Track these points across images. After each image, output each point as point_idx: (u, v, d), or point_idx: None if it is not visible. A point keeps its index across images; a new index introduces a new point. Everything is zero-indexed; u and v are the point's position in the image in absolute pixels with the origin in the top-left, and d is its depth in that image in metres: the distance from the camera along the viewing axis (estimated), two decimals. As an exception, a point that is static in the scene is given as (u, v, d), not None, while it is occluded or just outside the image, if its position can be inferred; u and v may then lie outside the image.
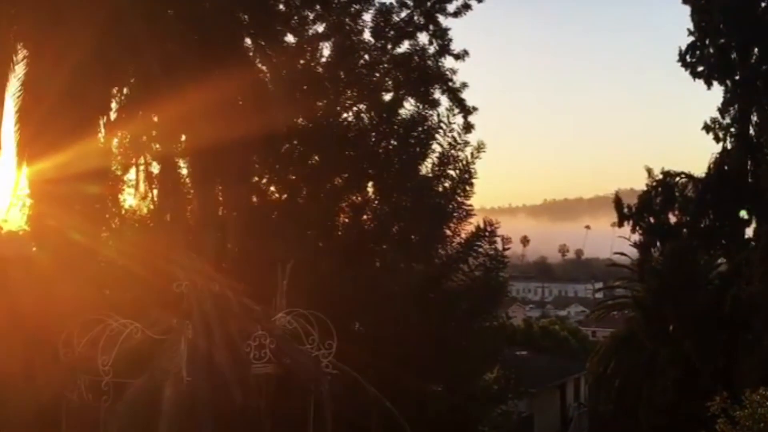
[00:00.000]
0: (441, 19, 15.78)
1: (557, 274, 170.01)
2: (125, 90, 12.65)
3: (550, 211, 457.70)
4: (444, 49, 15.75)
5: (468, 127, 14.65)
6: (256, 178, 14.15)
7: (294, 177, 14.07)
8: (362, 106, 14.56)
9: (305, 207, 13.69)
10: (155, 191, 13.37)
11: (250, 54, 13.43)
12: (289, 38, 14.06)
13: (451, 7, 15.87)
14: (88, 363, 7.53)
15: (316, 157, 14.08)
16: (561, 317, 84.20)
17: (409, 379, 11.97)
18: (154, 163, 13.56)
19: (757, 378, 21.49)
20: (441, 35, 15.72)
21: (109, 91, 12.32)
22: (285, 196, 14.13)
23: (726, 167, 28.79)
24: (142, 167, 13.40)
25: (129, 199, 13.65)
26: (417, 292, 12.87)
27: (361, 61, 14.82)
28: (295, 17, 14.31)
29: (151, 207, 13.44)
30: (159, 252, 10.65)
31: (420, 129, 13.73)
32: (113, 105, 12.53)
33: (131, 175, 13.62)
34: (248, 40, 13.39)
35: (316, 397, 8.24)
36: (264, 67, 13.72)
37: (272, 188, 14.35)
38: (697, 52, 29.58)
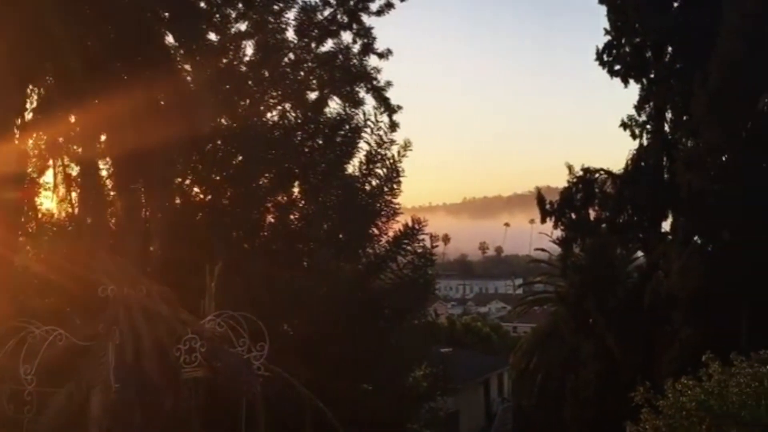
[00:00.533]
0: (364, 17, 15.78)
1: (478, 271, 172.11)
2: (42, 90, 12.23)
3: (469, 209, 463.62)
4: (368, 48, 15.75)
5: (393, 126, 14.65)
6: (179, 179, 13.83)
7: (218, 178, 13.80)
8: (287, 105, 14.39)
9: (230, 208, 13.45)
10: (74, 194, 12.94)
11: (172, 52, 13.12)
12: (212, 36, 13.78)
13: (374, 6, 15.89)
14: (9, 372, 7.22)
15: (240, 157, 13.84)
16: (482, 314, 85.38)
17: (340, 379, 11.90)
18: (73, 165, 13.12)
19: (676, 368, 22.10)
20: (365, 34, 15.71)
21: (24, 91, 11.89)
22: (209, 197, 13.85)
23: (643, 163, 29.59)
24: (60, 169, 12.95)
25: (46, 202, 13.19)
26: (346, 292, 12.79)
27: (285, 60, 14.65)
28: (217, 15, 14.05)
29: (70, 210, 13.01)
30: (80, 256, 10.32)
31: (346, 128, 13.64)
32: (29, 105, 12.10)
33: (48, 177, 13.15)
34: (171, 39, 13.08)
35: (248, 399, 8.09)
36: (187, 66, 13.44)
37: (196, 189, 14.05)
38: (614, 51, 30.32)
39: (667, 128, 30.20)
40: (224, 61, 13.85)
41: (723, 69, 25.69)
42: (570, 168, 30.57)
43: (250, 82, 14.02)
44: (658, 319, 27.67)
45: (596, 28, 31.74)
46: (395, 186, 13.33)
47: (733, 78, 25.49)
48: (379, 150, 13.44)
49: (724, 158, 27.39)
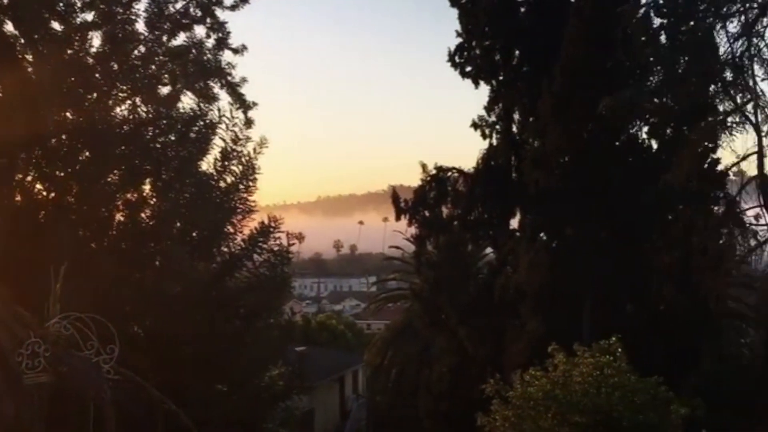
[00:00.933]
0: (219, 12, 15.44)
1: (332, 269, 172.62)
2: None
3: (324, 208, 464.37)
4: (222, 43, 15.41)
5: (249, 123, 14.43)
6: (20, 176, 13.11)
7: (63, 174, 13.17)
8: (137, 100, 13.89)
9: (76, 206, 12.87)
10: None
11: (12, 41, 12.42)
12: (56, 26, 13.12)
13: (228, 1, 15.58)
14: None
15: (87, 153, 13.26)
16: (337, 312, 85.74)
17: (195, 380, 11.64)
18: None
19: (524, 360, 22.98)
20: (219, 28, 15.38)
21: None
22: (53, 194, 13.20)
23: (492, 162, 30.45)
24: None
25: None
26: (200, 291, 12.51)
27: (135, 53, 14.14)
28: (61, 3, 13.38)
29: None
30: None
31: (200, 124, 13.32)
32: None
33: None
34: (10, 27, 12.37)
35: (97, 403, 7.78)
36: (29, 57, 12.75)
37: (39, 186, 13.36)
38: (465, 53, 31.04)
39: (515, 129, 31.23)
40: (69, 52, 13.21)
41: (566, 73, 26.85)
42: (423, 167, 31.13)
43: (97, 75, 13.42)
44: (508, 313, 28.60)
45: (450, 29, 32.49)
46: (251, 183, 13.14)
47: (576, 82, 26.68)
48: (234, 147, 13.20)
49: (567, 158, 28.62)
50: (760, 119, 23.38)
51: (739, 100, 23.93)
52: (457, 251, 30.72)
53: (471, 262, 33.06)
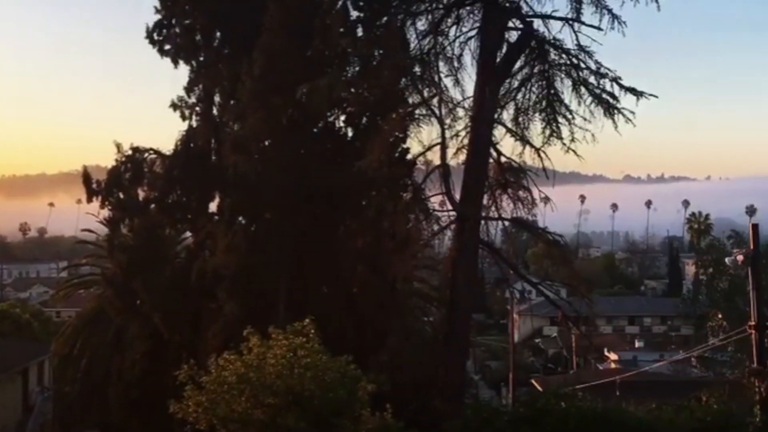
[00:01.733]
0: None
1: (18, 254, 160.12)
2: None
3: (8, 188, 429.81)
4: None
5: None
6: None
7: None
8: None
9: None
10: None
11: None
12: None
13: None
14: None
15: None
16: (23, 300, 79.93)
17: None
18: None
19: (220, 343, 22.91)
20: None
21: None
22: None
23: (192, 145, 29.91)
24: None
25: None
26: None
27: None
28: None
29: None
30: None
31: None
32: None
33: None
34: None
35: None
36: None
37: None
38: (164, 31, 30.13)
39: (215, 111, 30.87)
40: None
41: (266, 58, 27.01)
42: (119, 147, 29.77)
43: None
44: (205, 298, 28.30)
45: (149, 4, 31.07)
46: None
47: (276, 67, 26.93)
48: None
49: (267, 143, 28.86)
50: (443, 113, 25.13)
51: (426, 94, 25.51)
52: (154, 234, 29.78)
53: (168, 245, 32.21)
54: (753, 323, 17.37)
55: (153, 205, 30.24)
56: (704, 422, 16.67)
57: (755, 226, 19.36)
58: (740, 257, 20.14)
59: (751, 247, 18.48)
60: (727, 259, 33.80)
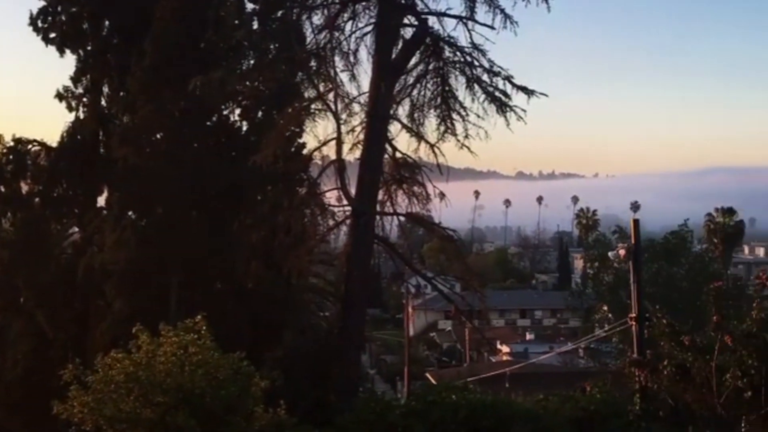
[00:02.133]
0: None
1: None
2: None
3: None
4: None
5: None
6: None
7: None
8: None
9: None
10: None
11: None
12: None
13: None
14: None
15: None
16: None
17: None
18: None
19: (109, 341, 22.29)
20: None
21: None
22: None
23: (79, 137, 29.06)
24: None
25: None
26: None
27: None
28: None
29: None
30: None
31: None
32: None
33: None
34: None
35: None
36: None
37: None
38: (49, 18, 29.15)
39: (104, 102, 30.02)
40: None
41: (158, 50, 26.40)
42: (0, 138, 28.68)
43: None
44: (93, 294, 27.52)
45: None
46: None
47: (168, 59, 26.36)
48: None
49: (158, 136, 28.23)
50: (339, 108, 25.08)
51: (321, 89, 25.41)
52: (38, 229, 28.74)
53: (54, 241, 31.10)
54: (634, 315, 18.04)
55: (37, 199, 29.25)
56: (588, 411, 17.30)
57: (636, 222, 20.07)
58: (622, 252, 20.82)
59: (633, 242, 19.16)
60: (609, 254, 35.08)
